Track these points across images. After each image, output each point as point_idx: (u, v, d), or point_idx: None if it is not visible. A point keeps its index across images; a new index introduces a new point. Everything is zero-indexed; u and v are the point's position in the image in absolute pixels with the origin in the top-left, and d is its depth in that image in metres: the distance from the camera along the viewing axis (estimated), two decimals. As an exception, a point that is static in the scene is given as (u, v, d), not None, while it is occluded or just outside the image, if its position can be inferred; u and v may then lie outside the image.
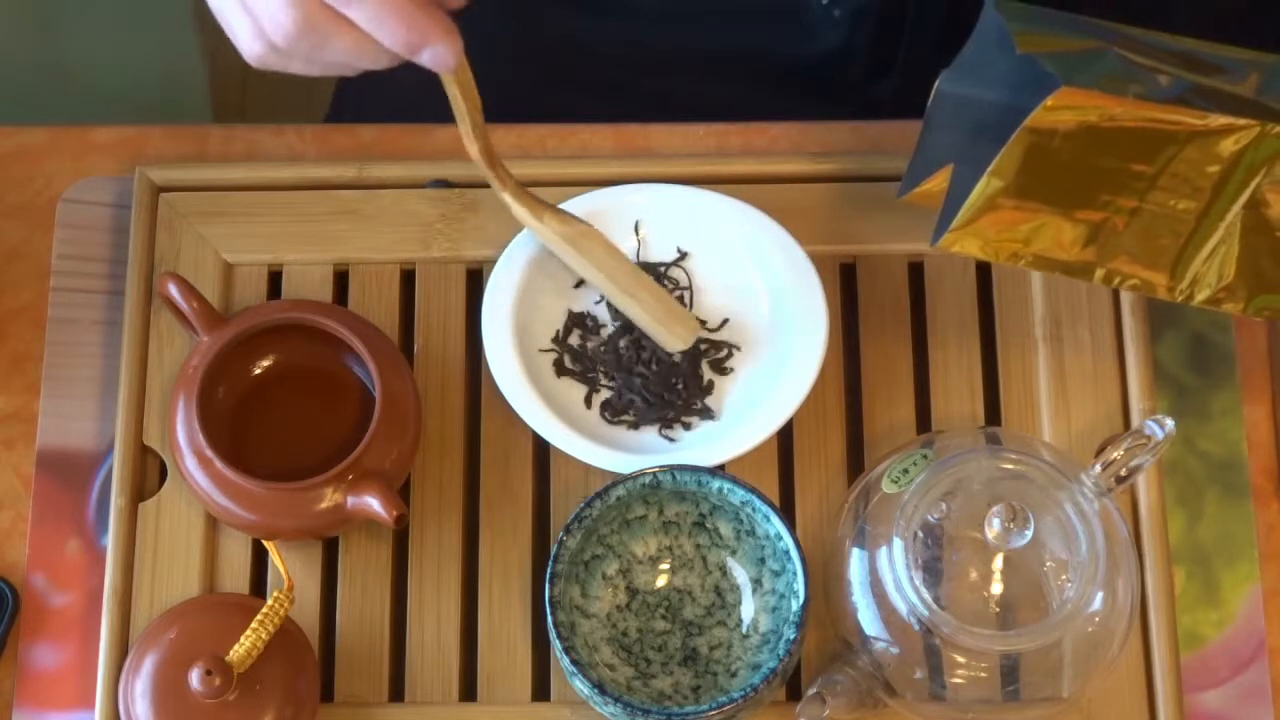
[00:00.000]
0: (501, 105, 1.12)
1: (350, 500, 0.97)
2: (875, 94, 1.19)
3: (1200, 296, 0.95)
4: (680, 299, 1.05)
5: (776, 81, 1.20)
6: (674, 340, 1.02)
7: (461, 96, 0.97)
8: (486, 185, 1.07)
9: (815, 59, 1.18)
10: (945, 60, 1.18)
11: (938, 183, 0.98)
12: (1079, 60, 0.92)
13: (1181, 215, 0.93)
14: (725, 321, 1.04)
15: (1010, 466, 0.93)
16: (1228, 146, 0.91)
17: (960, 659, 0.93)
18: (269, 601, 0.94)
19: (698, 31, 1.20)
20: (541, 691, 1.00)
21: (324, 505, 0.97)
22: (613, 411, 1.03)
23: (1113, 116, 0.90)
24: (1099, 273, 0.95)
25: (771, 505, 0.95)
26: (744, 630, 0.98)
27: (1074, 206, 0.93)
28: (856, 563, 0.95)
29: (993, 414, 1.04)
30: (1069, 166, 0.92)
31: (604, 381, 1.03)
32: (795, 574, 0.95)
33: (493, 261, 1.04)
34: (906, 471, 0.95)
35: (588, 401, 1.03)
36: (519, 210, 1.02)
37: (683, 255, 1.06)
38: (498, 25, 1.25)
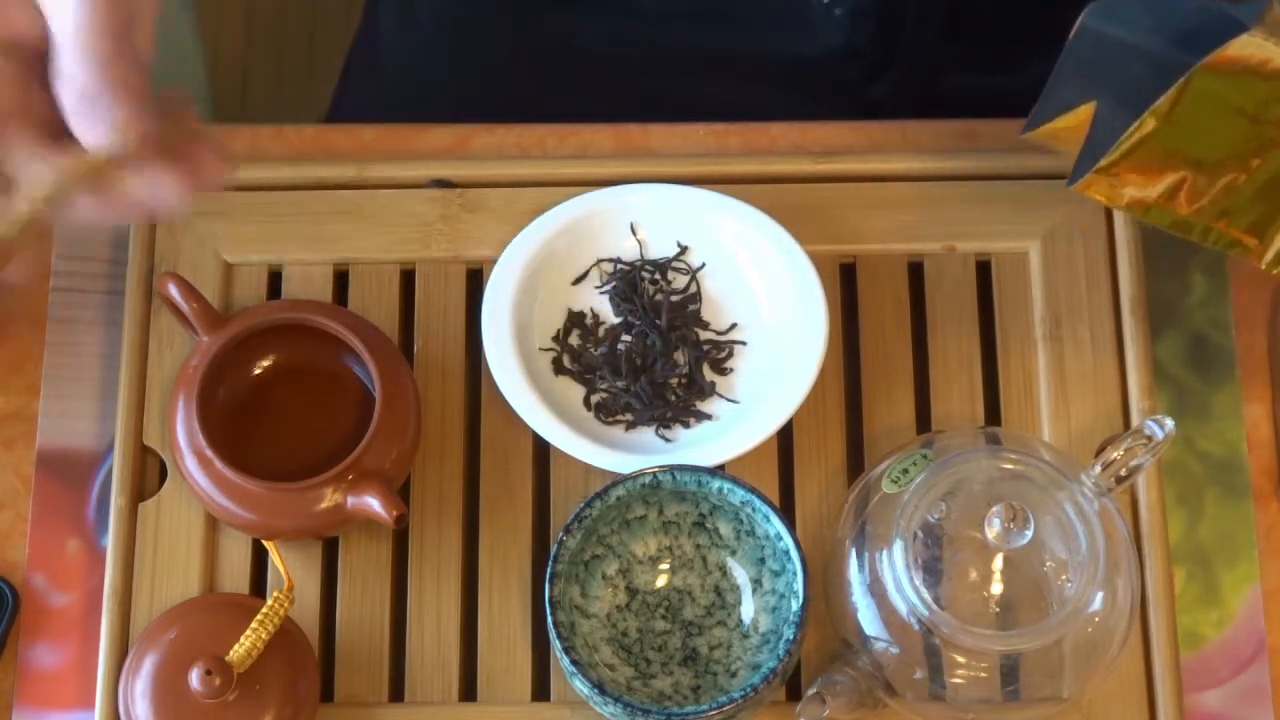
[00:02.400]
0: (501, 105, 1.12)
1: (350, 500, 0.97)
2: (875, 93, 1.19)
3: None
4: (686, 297, 1.05)
5: (776, 81, 1.20)
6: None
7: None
8: (486, 185, 1.07)
9: (816, 58, 1.18)
10: (946, 59, 1.18)
11: (1069, 121, 0.95)
12: (1249, 6, 0.89)
13: None
14: (734, 326, 1.04)
15: (1010, 466, 0.93)
16: None
17: (960, 659, 0.93)
18: (269, 601, 0.94)
19: (698, 31, 1.20)
20: (541, 691, 1.00)
21: (324, 505, 0.97)
22: (607, 412, 1.02)
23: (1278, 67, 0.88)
24: (1199, 228, 0.93)
25: (771, 505, 0.95)
26: (744, 630, 0.98)
27: (1209, 158, 0.91)
28: (856, 563, 0.95)
29: (993, 414, 1.04)
30: (1218, 116, 0.90)
31: (602, 382, 1.03)
32: (795, 574, 0.95)
33: (493, 261, 1.04)
34: (906, 471, 0.95)
35: (587, 402, 1.03)
36: None
37: (683, 250, 1.05)
38: (497, 25, 1.25)
